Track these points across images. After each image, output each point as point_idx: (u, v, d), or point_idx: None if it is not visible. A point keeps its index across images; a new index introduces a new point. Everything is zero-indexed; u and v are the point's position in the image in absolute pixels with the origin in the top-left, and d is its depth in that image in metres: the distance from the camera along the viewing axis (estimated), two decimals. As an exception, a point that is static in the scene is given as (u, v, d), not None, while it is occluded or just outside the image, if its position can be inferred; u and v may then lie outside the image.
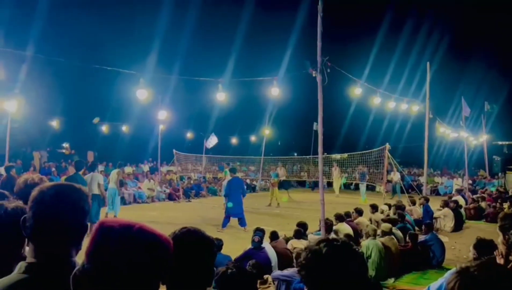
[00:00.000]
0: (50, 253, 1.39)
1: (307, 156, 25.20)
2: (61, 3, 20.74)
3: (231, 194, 11.15)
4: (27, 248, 1.75)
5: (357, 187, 23.51)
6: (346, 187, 24.70)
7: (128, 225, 1.19)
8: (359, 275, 1.26)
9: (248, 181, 23.78)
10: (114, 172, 12.51)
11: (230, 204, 10.98)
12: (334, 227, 8.07)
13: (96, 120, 24.86)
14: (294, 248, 7.12)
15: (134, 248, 1.15)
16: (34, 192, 1.45)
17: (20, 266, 1.37)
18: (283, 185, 20.87)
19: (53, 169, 19.19)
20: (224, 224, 10.98)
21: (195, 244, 1.53)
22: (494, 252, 2.60)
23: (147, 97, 9.81)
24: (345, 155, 22.02)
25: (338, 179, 21.40)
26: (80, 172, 8.81)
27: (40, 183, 2.74)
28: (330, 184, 21.73)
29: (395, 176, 19.49)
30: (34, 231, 1.41)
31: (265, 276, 5.19)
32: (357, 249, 1.28)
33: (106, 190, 11.43)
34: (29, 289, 1.33)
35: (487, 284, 1.26)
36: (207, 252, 1.52)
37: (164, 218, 12.99)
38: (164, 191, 18.97)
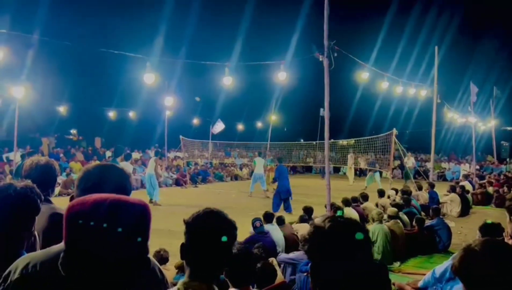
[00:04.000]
0: None
1: (314, 142, 25.15)
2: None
3: (281, 179, 12.05)
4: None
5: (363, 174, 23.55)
6: (357, 174, 24.60)
7: (99, 201, 1.27)
8: (361, 253, 1.27)
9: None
10: (152, 159, 12.89)
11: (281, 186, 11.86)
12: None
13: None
14: (297, 231, 7.18)
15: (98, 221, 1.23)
16: (80, 173, 1.54)
17: None
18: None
19: (61, 155, 19.35)
20: (276, 209, 11.51)
21: (217, 225, 1.57)
22: (503, 234, 2.61)
23: (154, 82, 9.79)
24: (352, 140, 21.93)
25: (352, 167, 21.28)
26: (118, 159, 8.87)
27: (47, 165, 2.78)
28: (336, 169, 21.68)
29: (409, 161, 19.29)
30: None
31: (270, 259, 5.23)
32: (361, 226, 1.29)
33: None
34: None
35: (488, 258, 1.28)
36: (228, 233, 1.55)
37: (171, 203, 13.10)
38: (171, 176, 19.09)
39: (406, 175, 19.64)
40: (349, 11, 26.47)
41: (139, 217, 1.29)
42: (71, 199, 1.54)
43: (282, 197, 11.91)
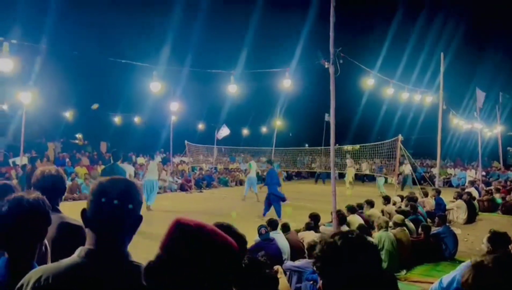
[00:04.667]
0: (107, 242, 1.51)
1: (319, 147, 25.13)
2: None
3: (272, 183, 11.89)
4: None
5: (371, 179, 23.46)
6: (359, 179, 24.59)
7: (202, 226, 1.32)
8: (373, 267, 1.28)
9: (259, 172, 23.83)
10: (155, 163, 12.90)
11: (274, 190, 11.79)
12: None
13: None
14: (303, 238, 7.16)
15: (207, 248, 1.27)
16: (93, 185, 1.56)
17: (80, 250, 1.50)
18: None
19: (67, 159, 19.43)
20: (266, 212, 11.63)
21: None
22: (510, 246, 2.60)
23: (160, 90, 9.88)
24: (357, 146, 21.89)
25: (351, 172, 21.25)
26: (118, 162, 8.94)
27: (57, 175, 2.80)
28: (341, 175, 21.62)
29: (406, 168, 19.32)
30: (94, 221, 1.52)
31: (276, 267, 5.21)
32: (371, 242, 1.30)
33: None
34: (87, 273, 1.45)
35: (502, 277, 1.27)
36: (241, 247, 1.58)
37: (176, 208, 13.12)
38: (176, 181, 19.12)
39: (404, 182, 19.56)
40: (355, 18, 26.49)
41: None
42: (83, 212, 1.55)
43: (271, 201, 11.79)
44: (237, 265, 1.35)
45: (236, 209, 12.71)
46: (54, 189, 2.65)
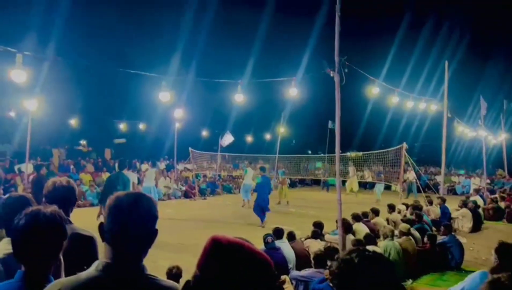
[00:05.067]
0: (124, 255, 1.53)
1: (322, 154, 25.15)
2: (82, 5, 21.07)
3: (261, 192, 11.83)
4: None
5: (372, 186, 23.42)
6: (362, 186, 24.57)
7: (239, 243, 1.33)
8: (389, 284, 1.29)
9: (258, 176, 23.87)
10: (153, 171, 12.88)
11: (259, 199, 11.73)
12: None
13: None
14: (308, 247, 7.15)
15: (245, 266, 1.28)
16: (111, 200, 1.59)
17: (98, 264, 1.53)
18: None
19: (72, 166, 19.51)
20: (263, 219, 11.55)
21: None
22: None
23: (170, 100, 9.95)
24: (360, 153, 21.87)
25: (353, 179, 21.24)
26: (124, 171, 8.95)
27: (68, 185, 2.83)
28: (345, 183, 21.61)
29: (410, 175, 19.28)
30: (112, 235, 1.55)
31: (283, 277, 5.22)
32: (387, 259, 1.31)
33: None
34: (105, 286, 1.49)
35: None
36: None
37: (180, 216, 13.13)
38: (180, 188, 19.14)
39: (409, 189, 19.52)
40: (360, 27, 26.62)
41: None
42: (101, 225, 1.58)
43: (262, 208, 11.74)
44: (273, 281, 1.36)
45: (244, 217, 12.73)
46: (65, 200, 2.68)
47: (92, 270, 1.52)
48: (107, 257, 1.54)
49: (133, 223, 1.54)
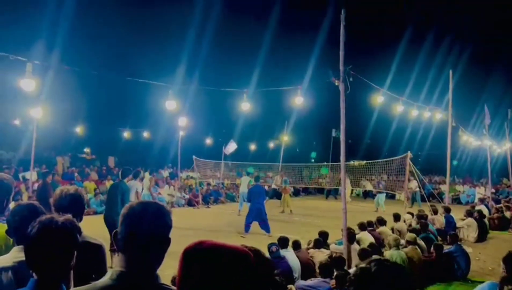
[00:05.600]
0: (137, 264, 1.54)
1: (326, 163, 25.09)
2: (88, 14, 21.26)
3: (253, 200, 11.61)
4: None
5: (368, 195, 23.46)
6: (366, 195, 24.53)
7: (202, 242, 1.33)
8: None
9: (266, 187, 23.85)
10: (147, 178, 12.84)
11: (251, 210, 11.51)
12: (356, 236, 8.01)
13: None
14: (313, 257, 7.12)
15: (216, 260, 1.27)
16: (125, 209, 1.60)
17: (112, 273, 1.53)
18: (277, 194, 21.00)
19: (76, 174, 19.54)
20: (247, 229, 11.38)
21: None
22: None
23: (176, 108, 10.02)
24: (363, 162, 21.83)
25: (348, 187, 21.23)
26: (125, 180, 8.87)
27: (75, 194, 2.84)
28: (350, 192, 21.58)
29: (413, 184, 19.21)
30: (125, 244, 1.55)
31: (289, 286, 5.19)
32: (405, 269, 1.31)
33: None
34: None
35: None
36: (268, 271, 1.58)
37: (184, 224, 13.09)
38: (184, 197, 19.11)
39: (412, 198, 19.44)
40: (365, 37, 26.73)
41: None
42: (115, 234, 1.58)
43: (253, 218, 11.52)
44: (253, 271, 1.32)
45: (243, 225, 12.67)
46: (73, 208, 2.68)
47: (106, 279, 1.52)
48: (121, 266, 1.54)
49: (145, 231, 1.54)
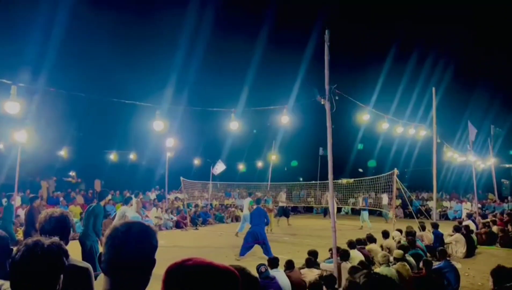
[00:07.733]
0: (121, 286, 1.51)
1: (314, 182, 25.13)
2: (74, 36, 21.25)
3: (254, 225, 11.23)
4: None
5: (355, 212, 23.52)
6: (355, 212, 24.56)
7: (185, 260, 1.29)
8: None
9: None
10: (134, 201, 12.71)
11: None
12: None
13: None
14: (305, 276, 7.06)
15: (199, 277, 1.24)
16: (108, 230, 1.57)
17: None
18: (284, 212, 20.93)
19: (61, 198, 19.22)
20: (243, 253, 10.96)
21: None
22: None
23: (164, 129, 9.99)
24: (351, 180, 21.92)
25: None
26: (102, 203, 8.69)
27: (61, 216, 2.80)
28: (338, 209, 21.57)
29: (384, 199, 19.27)
30: (109, 266, 1.52)
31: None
32: (394, 281, 1.31)
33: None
34: None
35: None
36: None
37: (172, 246, 12.91)
38: (171, 219, 18.87)
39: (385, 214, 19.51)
40: (349, 56, 27.23)
41: None
42: (99, 256, 1.55)
43: (251, 241, 11.13)
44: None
45: (238, 247, 12.54)
46: (59, 231, 2.63)
47: None
48: (106, 288, 1.51)
49: (130, 252, 1.51)
